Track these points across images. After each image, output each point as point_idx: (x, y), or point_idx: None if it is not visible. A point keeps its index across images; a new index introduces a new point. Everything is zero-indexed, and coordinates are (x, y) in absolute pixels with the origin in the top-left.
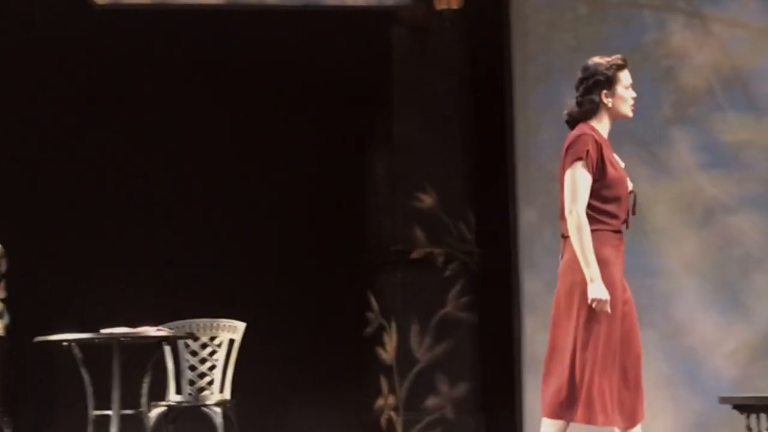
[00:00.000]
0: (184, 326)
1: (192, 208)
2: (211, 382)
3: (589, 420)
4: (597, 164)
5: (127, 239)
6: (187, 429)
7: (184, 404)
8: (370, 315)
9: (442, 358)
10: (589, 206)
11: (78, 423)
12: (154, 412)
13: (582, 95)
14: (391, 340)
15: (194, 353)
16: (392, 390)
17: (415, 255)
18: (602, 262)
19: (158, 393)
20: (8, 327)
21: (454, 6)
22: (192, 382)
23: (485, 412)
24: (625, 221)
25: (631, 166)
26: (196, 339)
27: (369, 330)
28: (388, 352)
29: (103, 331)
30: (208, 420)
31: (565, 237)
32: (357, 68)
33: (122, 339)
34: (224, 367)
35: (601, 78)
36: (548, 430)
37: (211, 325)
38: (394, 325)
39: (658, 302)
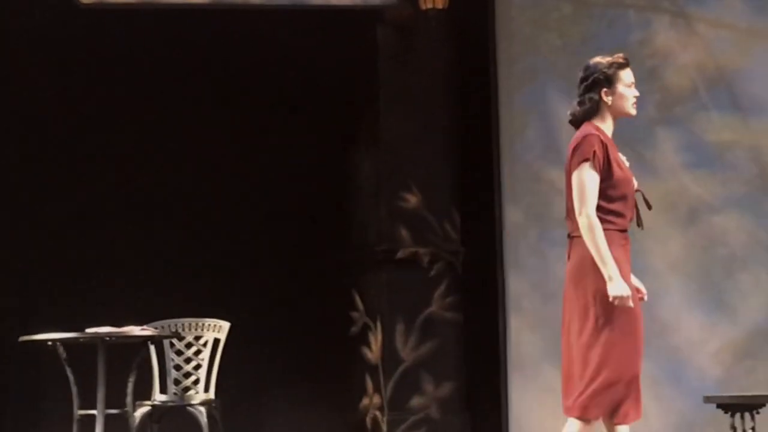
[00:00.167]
0: (169, 325)
1: (177, 208)
2: (196, 382)
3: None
4: (603, 164)
5: (111, 239)
6: (172, 428)
7: (169, 404)
8: (355, 314)
9: (427, 357)
10: (596, 206)
11: (63, 422)
12: (139, 412)
13: (582, 94)
14: (376, 340)
15: (179, 353)
16: (377, 389)
17: (400, 255)
18: None
19: (143, 392)
20: None
21: (439, 6)
22: (177, 382)
23: (470, 411)
24: (632, 220)
25: None
26: (181, 338)
27: (354, 329)
28: (373, 352)
29: (88, 330)
30: (193, 419)
31: (572, 237)
32: (342, 68)
33: (107, 338)
34: (209, 367)
35: (601, 77)
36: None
37: (196, 324)
38: (379, 325)
39: (642, 302)
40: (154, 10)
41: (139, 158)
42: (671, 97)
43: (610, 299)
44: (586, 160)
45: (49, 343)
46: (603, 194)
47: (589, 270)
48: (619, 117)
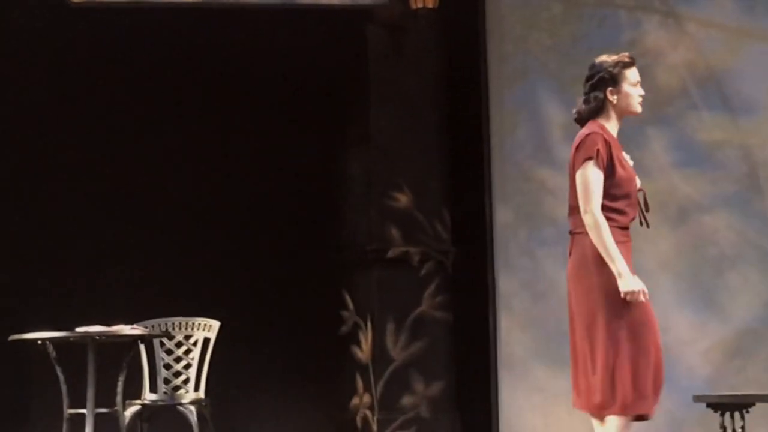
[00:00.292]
0: (159, 325)
1: (167, 208)
2: (186, 381)
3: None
4: (607, 163)
5: (101, 238)
6: (162, 427)
7: (159, 403)
8: (345, 314)
9: (417, 357)
10: None
11: (53, 421)
12: (129, 411)
13: (588, 93)
14: (366, 339)
15: (169, 352)
16: (367, 389)
17: (390, 254)
18: None
19: (133, 391)
20: None
21: (430, 5)
22: (167, 381)
23: (460, 410)
24: (635, 218)
25: None
26: (171, 337)
27: (344, 329)
28: (363, 351)
29: (78, 329)
30: (183, 418)
31: (573, 233)
32: (333, 67)
33: (97, 337)
34: (199, 366)
35: (606, 75)
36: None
37: (187, 323)
38: (369, 324)
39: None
40: (144, 10)
41: (129, 158)
42: (661, 97)
43: (622, 295)
44: (590, 158)
45: (39, 342)
46: (606, 193)
47: (593, 266)
48: (625, 116)
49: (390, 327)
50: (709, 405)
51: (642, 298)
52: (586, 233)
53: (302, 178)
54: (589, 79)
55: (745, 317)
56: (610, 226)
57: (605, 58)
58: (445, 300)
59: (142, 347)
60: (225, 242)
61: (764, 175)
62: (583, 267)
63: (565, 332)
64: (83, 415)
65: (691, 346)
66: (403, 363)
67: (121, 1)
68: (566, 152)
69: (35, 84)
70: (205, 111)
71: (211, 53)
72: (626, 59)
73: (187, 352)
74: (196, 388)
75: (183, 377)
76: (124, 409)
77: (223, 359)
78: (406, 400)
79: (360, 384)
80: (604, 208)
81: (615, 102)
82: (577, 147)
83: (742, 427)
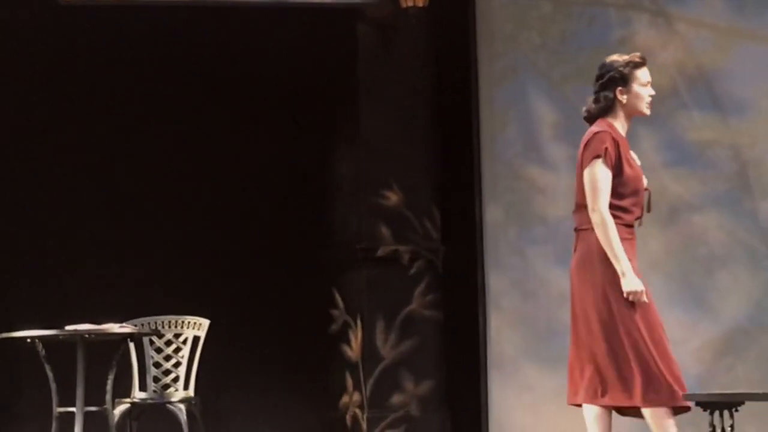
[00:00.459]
0: (148, 323)
1: (155, 205)
2: (175, 379)
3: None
4: (615, 161)
5: (91, 236)
6: (151, 426)
7: (149, 401)
8: (335, 312)
9: (407, 355)
10: None
11: (42, 420)
12: (119, 409)
13: (598, 92)
14: (356, 338)
15: (159, 350)
16: (357, 387)
17: (380, 253)
18: None
19: (123, 390)
20: None
21: (420, 4)
22: (156, 379)
23: (450, 409)
24: (641, 217)
25: None
26: (160, 336)
27: (334, 327)
28: (353, 350)
29: (67, 327)
30: (172, 417)
31: (578, 230)
32: (322, 65)
33: (86, 336)
34: (189, 364)
35: (616, 75)
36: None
37: (176, 321)
38: (359, 323)
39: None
40: (133, 8)
41: (119, 156)
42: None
43: (625, 295)
44: (598, 156)
45: (28, 340)
46: (613, 191)
47: (597, 262)
48: (634, 115)
49: (380, 325)
50: (698, 404)
51: (644, 298)
52: (592, 230)
53: (292, 177)
54: (599, 78)
55: (735, 316)
56: (616, 224)
57: (616, 58)
58: (435, 298)
59: (131, 345)
60: (215, 241)
61: (754, 175)
62: (587, 263)
63: (555, 331)
64: (72, 413)
65: (681, 345)
66: (392, 361)
67: (111, 1)
68: (556, 151)
69: (26, 83)
70: (194, 109)
71: (201, 52)
72: (637, 59)
73: (177, 350)
74: (186, 387)
75: (173, 375)
76: (114, 407)
77: (213, 357)
78: (396, 399)
79: (350, 382)
80: (610, 206)
81: (624, 101)
82: (586, 145)
83: (732, 426)
